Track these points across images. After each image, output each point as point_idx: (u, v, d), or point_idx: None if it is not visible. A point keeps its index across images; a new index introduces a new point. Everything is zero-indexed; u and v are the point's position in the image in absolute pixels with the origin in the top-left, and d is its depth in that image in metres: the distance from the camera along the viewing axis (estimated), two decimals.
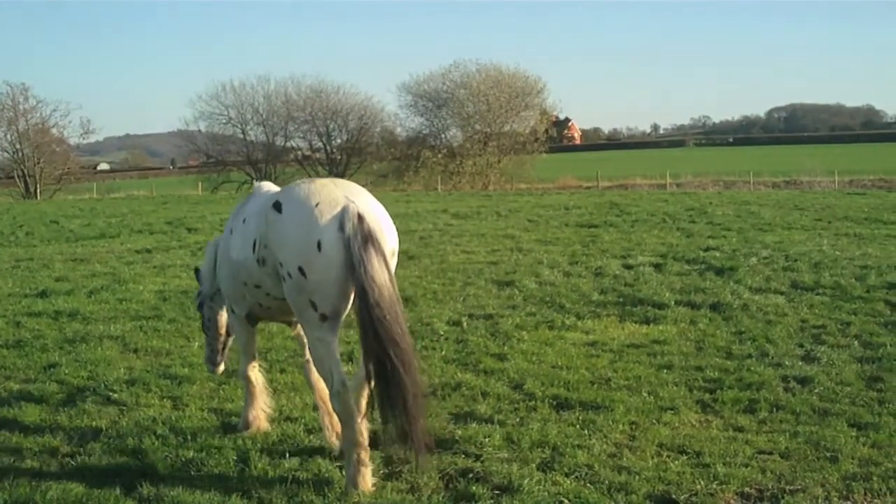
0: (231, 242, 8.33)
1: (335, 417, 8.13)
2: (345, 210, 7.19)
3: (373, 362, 7.14)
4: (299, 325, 8.56)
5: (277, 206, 7.44)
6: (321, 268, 7.13)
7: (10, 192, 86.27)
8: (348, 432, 7.39)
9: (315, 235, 7.12)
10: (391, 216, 7.94)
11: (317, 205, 7.25)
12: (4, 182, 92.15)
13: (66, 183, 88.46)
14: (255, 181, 8.84)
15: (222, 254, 8.65)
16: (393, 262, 7.59)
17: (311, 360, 8.34)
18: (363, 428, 7.41)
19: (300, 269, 7.16)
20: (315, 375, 8.51)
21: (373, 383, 7.20)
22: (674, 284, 15.78)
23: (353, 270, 7.05)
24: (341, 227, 7.12)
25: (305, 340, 8.47)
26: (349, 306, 7.44)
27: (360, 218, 7.17)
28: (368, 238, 7.13)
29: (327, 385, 7.47)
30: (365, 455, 7.37)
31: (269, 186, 8.77)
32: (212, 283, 9.30)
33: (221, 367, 9.79)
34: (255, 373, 9.01)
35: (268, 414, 9.04)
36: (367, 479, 7.35)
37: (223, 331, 9.62)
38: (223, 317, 9.54)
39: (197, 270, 9.84)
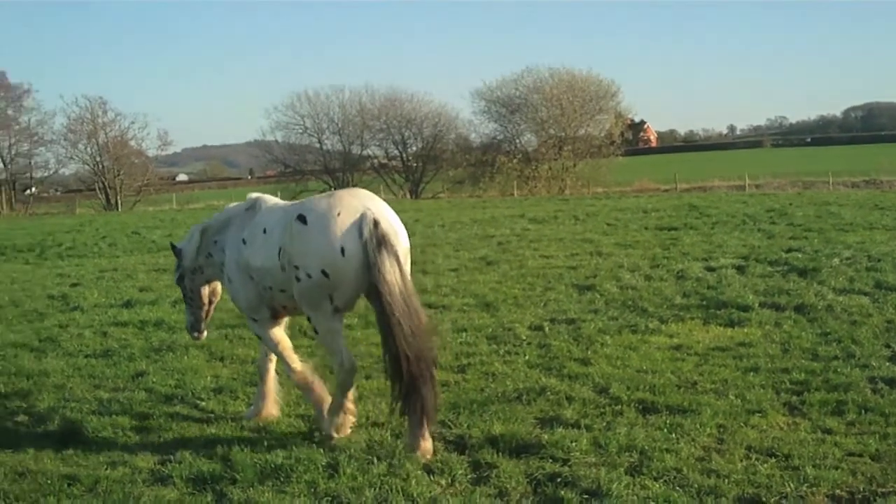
0: (246, 252, 9.19)
1: (268, 406, 9.73)
2: (363, 217, 8.21)
3: (388, 353, 8.24)
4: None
5: (302, 219, 8.43)
6: (344, 270, 8.19)
7: (91, 204, 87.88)
8: (341, 396, 8.72)
9: (339, 242, 8.15)
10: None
11: (338, 214, 8.27)
12: (86, 194, 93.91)
13: (145, 194, 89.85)
14: (252, 193, 9.63)
15: (234, 264, 9.42)
16: (406, 261, 8.53)
17: (273, 359, 9.79)
18: (353, 396, 8.96)
19: (323, 272, 8.21)
20: (271, 373, 9.85)
21: (389, 371, 8.30)
22: (757, 286, 15.59)
23: (370, 270, 8.11)
24: (360, 233, 8.15)
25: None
26: (357, 300, 8.63)
27: (376, 223, 8.19)
28: (382, 241, 8.14)
29: (336, 362, 8.62)
30: (350, 413, 8.86)
31: (274, 200, 9.73)
32: (194, 259, 10.07)
33: (204, 334, 10.71)
34: (302, 366, 9.48)
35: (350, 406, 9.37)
36: (346, 428, 8.84)
37: (206, 300, 10.46)
38: (205, 290, 10.41)
39: (174, 246, 10.43)
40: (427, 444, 8.23)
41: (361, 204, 8.39)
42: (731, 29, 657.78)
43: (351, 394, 8.85)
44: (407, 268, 8.49)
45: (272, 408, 9.77)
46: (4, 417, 10.23)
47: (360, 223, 8.17)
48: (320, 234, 8.24)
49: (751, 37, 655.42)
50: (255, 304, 9.32)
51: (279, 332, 9.52)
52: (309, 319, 8.84)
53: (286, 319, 9.88)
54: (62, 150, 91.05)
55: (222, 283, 10.10)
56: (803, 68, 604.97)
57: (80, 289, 20.56)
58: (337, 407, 8.77)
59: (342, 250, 8.13)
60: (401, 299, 8.12)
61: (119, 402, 10.52)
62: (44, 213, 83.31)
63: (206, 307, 10.50)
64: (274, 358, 9.83)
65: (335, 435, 8.69)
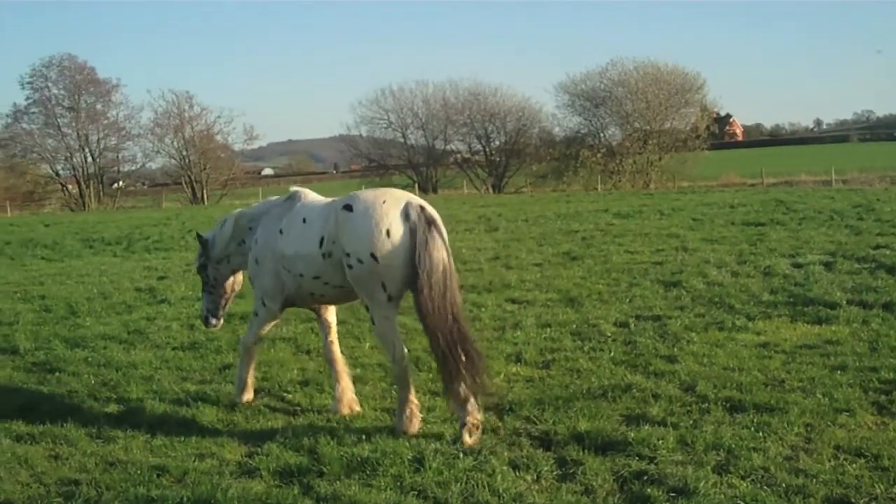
0: (282, 241, 9.61)
1: (348, 392, 9.91)
2: (408, 203, 8.69)
3: (428, 330, 8.57)
4: (328, 311, 10.36)
5: (349, 208, 8.86)
6: (391, 252, 8.52)
7: (178, 198, 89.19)
8: (403, 391, 8.92)
9: (384, 225, 8.54)
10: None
11: (384, 202, 8.72)
12: (173, 188, 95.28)
13: (231, 188, 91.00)
14: (293, 187, 10.23)
15: (269, 251, 9.81)
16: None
17: (334, 341, 10.26)
18: (413, 386, 9.04)
19: (372, 255, 8.55)
20: (336, 355, 10.15)
21: (432, 347, 8.65)
22: (845, 283, 15.37)
23: (416, 251, 8.46)
24: (406, 217, 8.58)
25: (334, 325, 10.38)
26: (407, 287, 8.75)
27: (422, 208, 8.70)
28: (431, 223, 8.61)
29: (389, 353, 8.98)
30: (415, 409, 8.92)
31: (314, 194, 10.09)
32: (224, 247, 10.61)
33: (221, 322, 11.23)
34: (256, 351, 10.47)
35: (256, 379, 10.60)
36: (416, 424, 8.87)
37: (228, 290, 11.02)
38: (229, 280, 10.97)
39: (200, 236, 10.88)
40: (473, 417, 8.59)
41: (405, 195, 8.95)
42: (816, 22, 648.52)
43: (412, 387, 9.01)
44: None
45: (348, 391, 10.01)
46: (94, 408, 10.41)
47: (405, 209, 8.63)
48: (367, 219, 8.63)
49: (837, 30, 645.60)
50: (274, 292, 9.88)
51: (270, 326, 10.32)
52: (367, 309, 9.09)
53: (334, 318, 10.46)
54: (149, 145, 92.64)
55: (247, 268, 10.41)
56: (890, 62, 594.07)
57: (167, 282, 20.94)
58: (402, 403, 8.95)
59: (388, 232, 8.52)
60: (442, 277, 8.53)
61: (206, 395, 10.69)
62: (131, 206, 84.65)
63: (227, 295, 11.05)
64: (335, 339, 10.34)
65: (407, 432, 8.81)
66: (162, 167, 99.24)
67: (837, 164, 73.35)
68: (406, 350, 8.98)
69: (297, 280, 9.48)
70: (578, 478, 7.55)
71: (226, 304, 11.09)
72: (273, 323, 10.26)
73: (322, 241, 9.07)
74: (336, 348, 10.23)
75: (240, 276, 11.01)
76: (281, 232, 9.62)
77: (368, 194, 8.98)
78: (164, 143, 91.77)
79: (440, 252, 8.56)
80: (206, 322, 11.03)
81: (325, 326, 10.34)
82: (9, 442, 9.24)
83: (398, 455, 8.11)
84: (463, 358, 8.49)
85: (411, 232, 8.52)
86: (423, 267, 8.43)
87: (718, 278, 16.64)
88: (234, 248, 10.51)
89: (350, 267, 8.73)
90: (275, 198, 10.49)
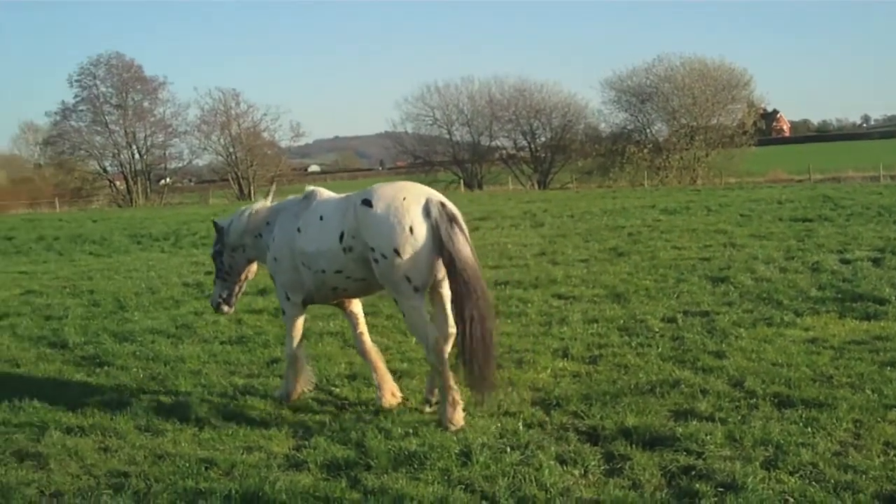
0: (300, 240, 9.70)
1: (387, 380, 10.01)
2: (428, 200, 8.84)
3: (459, 317, 8.71)
4: (353, 304, 10.43)
5: (368, 203, 8.94)
6: (414, 248, 8.68)
7: (225, 194, 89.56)
8: (443, 380, 8.92)
9: (407, 222, 8.68)
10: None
11: (404, 198, 8.84)
12: (219, 184, 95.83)
13: (278, 185, 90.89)
14: (309, 186, 10.27)
15: (287, 248, 9.88)
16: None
17: (364, 332, 10.35)
18: (452, 374, 8.97)
19: (395, 251, 8.68)
20: (368, 345, 10.27)
21: (458, 333, 8.84)
22: (893, 279, 15.19)
23: (442, 246, 8.66)
24: (427, 214, 8.74)
25: (361, 316, 10.49)
26: (433, 277, 8.97)
27: (443, 204, 8.84)
28: (452, 219, 8.78)
29: (422, 342, 9.12)
30: (456, 395, 8.92)
31: (328, 192, 10.18)
32: (240, 237, 10.69)
33: (233, 309, 11.42)
34: (301, 351, 10.35)
35: (308, 390, 10.39)
36: (459, 415, 8.88)
37: (242, 277, 11.15)
38: (244, 270, 11.10)
39: (216, 223, 11.01)
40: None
41: (424, 191, 9.07)
42: (865, 18, 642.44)
43: (451, 376, 8.97)
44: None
45: (388, 379, 10.10)
46: (143, 401, 10.47)
47: (426, 205, 8.78)
48: (388, 216, 8.76)
49: (885, 26, 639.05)
50: (294, 286, 9.97)
51: (300, 320, 10.29)
52: (395, 302, 9.27)
53: (360, 310, 10.54)
54: (196, 141, 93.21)
55: (265, 263, 10.53)
56: None
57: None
58: (443, 392, 8.97)
59: (411, 229, 8.66)
60: (472, 270, 8.71)
61: (254, 388, 10.77)
62: (178, 202, 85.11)
63: (241, 283, 11.21)
64: (365, 330, 10.44)
65: (450, 426, 8.80)
66: (209, 164, 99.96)
67: (885, 159, 72.73)
68: (437, 332, 9.03)
69: (320, 276, 9.57)
70: (626, 472, 7.56)
71: (239, 292, 11.26)
72: (302, 318, 10.29)
73: (342, 235, 9.18)
74: (367, 339, 10.33)
75: (254, 266, 11.16)
76: (299, 230, 9.71)
77: (386, 190, 9.07)
78: (210, 140, 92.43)
79: (465, 248, 8.76)
80: (218, 308, 11.17)
81: (352, 319, 10.45)
82: (59, 434, 9.35)
83: (445, 449, 8.14)
84: (485, 353, 8.75)
85: (433, 228, 8.71)
86: (456, 264, 8.65)
87: (766, 274, 16.50)
88: (251, 240, 10.61)
89: (376, 262, 8.84)
90: (293, 196, 10.54)
